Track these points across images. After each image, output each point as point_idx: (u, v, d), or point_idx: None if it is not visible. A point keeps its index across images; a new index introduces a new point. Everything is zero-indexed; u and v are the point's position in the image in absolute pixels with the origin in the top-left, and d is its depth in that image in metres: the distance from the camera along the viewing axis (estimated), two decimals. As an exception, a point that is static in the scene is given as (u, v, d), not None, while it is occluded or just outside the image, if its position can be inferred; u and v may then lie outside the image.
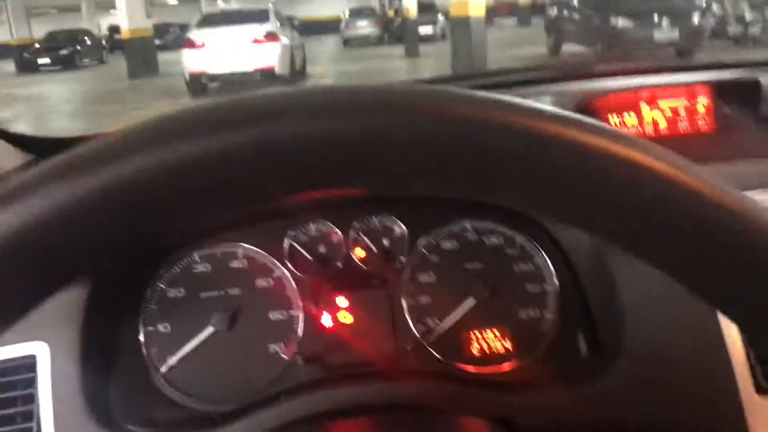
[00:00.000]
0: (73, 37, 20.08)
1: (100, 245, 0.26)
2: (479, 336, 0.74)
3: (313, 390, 0.67)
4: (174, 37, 23.98)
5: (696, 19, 9.77)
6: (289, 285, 0.76)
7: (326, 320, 0.75)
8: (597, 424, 0.63)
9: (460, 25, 10.00)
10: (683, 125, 0.95)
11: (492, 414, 0.64)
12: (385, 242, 0.78)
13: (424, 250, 0.77)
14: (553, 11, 12.70)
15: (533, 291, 0.76)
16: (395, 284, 0.76)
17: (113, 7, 13.98)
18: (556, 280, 0.75)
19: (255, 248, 0.77)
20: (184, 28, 21.81)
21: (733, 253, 0.26)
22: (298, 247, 0.77)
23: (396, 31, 19.87)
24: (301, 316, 0.75)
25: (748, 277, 0.26)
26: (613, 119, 0.93)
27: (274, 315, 0.75)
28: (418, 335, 0.74)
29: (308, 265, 0.77)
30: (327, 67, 14.09)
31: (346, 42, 20.70)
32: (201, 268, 0.76)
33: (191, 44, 10.21)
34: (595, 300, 0.72)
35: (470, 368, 0.73)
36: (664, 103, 0.95)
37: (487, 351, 0.74)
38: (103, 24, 28.26)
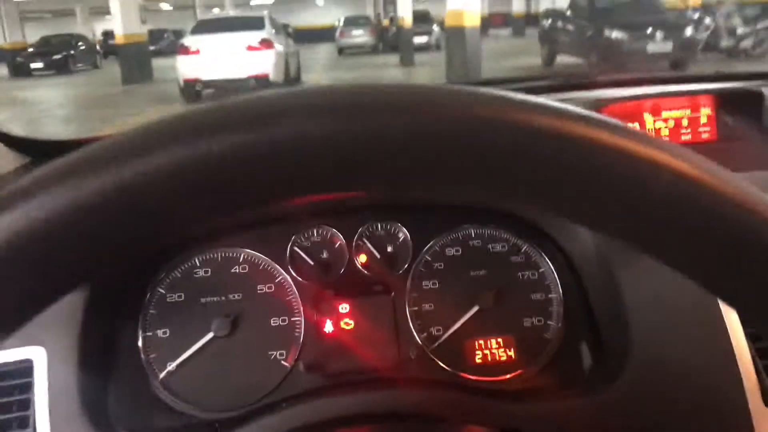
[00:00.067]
0: (67, 41, 20.02)
1: (102, 250, 0.26)
2: (483, 344, 0.74)
3: (314, 397, 0.66)
4: (168, 43, 23.98)
5: (689, 31, 9.87)
6: (291, 291, 0.75)
7: (328, 327, 0.74)
8: None
9: (455, 35, 10.05)
10: (686, 135, 0.95)
11: (496, 423, 0.63)
12: (389, 249, 0.77)
13: (428, 257, 0.77)
14: (547, 22, 12.79)
15: (537, 299, 0.75)
16: (399, 291, 0.75)
17: (108, 12, 13.95)
18: (560, 288, 0.75)
19: (257, 253, 0.76)
20: (178, 34, 21.84)
21: (756, 250, 0.26)
22: (301, 253, 0.76)
23: (391, 40, 19.95)
24: (302, 322, 0.74)
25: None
26: None
27: (276, 321, 0.74)
28: (421, 343, 0.74)
29: (311, 271, 0.76)
30: (321, 74, 14.12)
31: (341, 50, 20.74)
32: (201, 272, 0.75)
33: (186, 50, 10.19)
34: (600, 308, 0.71)
35: (474, 377, 0.72)
36: (667, 113, 0.95)
37: (491, 359, 0.73)
38: (98, 29, 28.24)
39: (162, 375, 0.71)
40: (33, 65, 18.37)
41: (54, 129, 8.26)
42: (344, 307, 0.74)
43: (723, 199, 0.26)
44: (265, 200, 0.27)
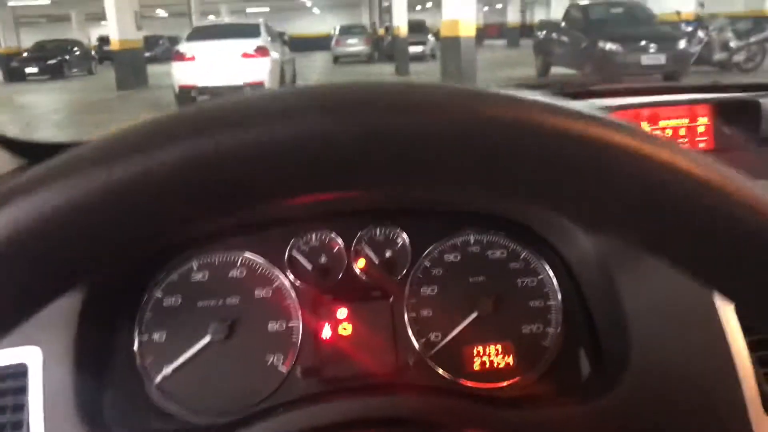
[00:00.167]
0: (62, 47, 19.99)
1: (100, 248, 0.26)
2: (481, 351, 0.73)
3: (311, 403, 0.65)
4: (164, 49, 24.01)
5: (682, 44, 9.96)
6: (289, 295, 0.74)
7: (326, 332, 0.73)
8: None
9: (450, 45, 10.10)
10: (684, 145, 0.95)
11: (494, 430, 0.63)
12: (388, 254, 0.77)
13: (426, 263, 0.76)
14: (541, 34, 12.88)
15: (537, 306, 0.75)
16: (397, 297, 0.75)
17: (103, 18, 13.96)
18: (559, 295, 0.75)
19: (255, 257, 0.75)
20: (173, 40, 21.84)
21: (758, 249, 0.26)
22: (300, 257, 0.76)
23: (386, 50, 20.04)
24: (300, 327, 0.73)
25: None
26: None
27: (273, 326, 0.73)
28: (419, 349, 0.73)
29: (309, 275, 0.75)
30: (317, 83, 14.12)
31: (336, 59, 20.80)
32: (199, 276, 0.75)
33: (181, 57, 10.19)
34: (599, 315, 0.71)
35: (472, 383, 0.72)
36: (665, 122, 0.95)
37: (489, 366, 0.73)
38: (93, 35, 28.21)
39: (158, 379, 0.71)
40: (28, 70, 18.33)
41: (49, 133, 8.23)
42: (342, 312, 0.74)
43: (730, 199, 0.26)
44: (267, 199, 0.27)
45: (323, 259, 0.76)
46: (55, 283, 0.26)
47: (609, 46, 9.96)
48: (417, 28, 18.45)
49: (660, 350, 0.63)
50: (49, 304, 0.27)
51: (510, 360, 0.73)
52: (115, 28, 13.25)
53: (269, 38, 10.97)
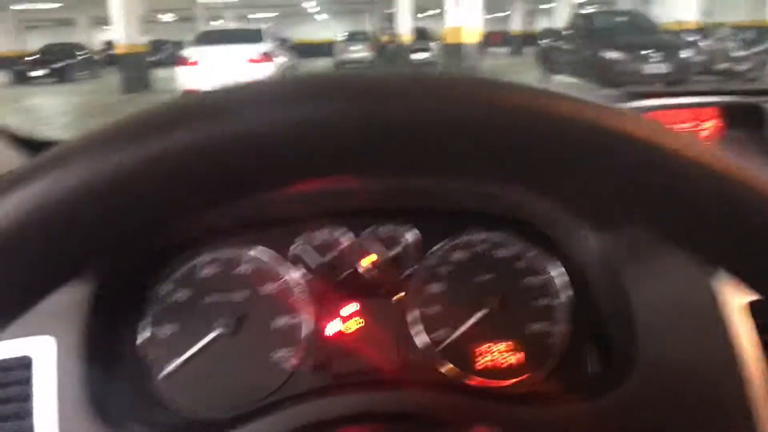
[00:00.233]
0: (68, 50, 20.09)
1: (104, 235, 0.26)
2: (488, 348, 0.73)
3: (318, 397, 0.65)
4: (168, 54, 24.07)
5: (685, 53, 9.98)
6: (295, 291, 0.74)
7: (333, 328, 0.73)
8: None
9: (453, 52, 10.13)
10: None
11: (502, 427, 0.63)
12: (395, 251, 0.77)
13: (434, 261, 0.77)
14: (545, 42, 12.91)
15: (544, 304, 0.75)
16: (404, 294, 0.75)
17: (109, 22, 14.02)
18: (567, 294, 0.75)
19: (262, 253, 0.76)
20: (178, 45, 21.90)
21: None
22: (307, 254, 0.76)
23: (389, 56, 20.10)
24: (307, 323, 0.73)
25: None
26: None
27: (280, 321, 0.73)
28: (425, 346, 0.73)
29: (316, 271, 0.76)
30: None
31: (339, 65, 20.88)
32: (206, 271, 0.75)
33: (185, 62, 10.24)
34: (607, 313, 0.71)
35: (478, 381, 0.72)
36: (670, 126, 0.95)
37: (496, 364, 0.73)
38: (98, 39, 28.33)
39: (163, 373, 0.71)
40: (34, 73, 18.41)
41: (56, 135, 8.25)
42: (349, 309, 0.74)
43: (745, 188, 0.27)
44: (276, 185, 0.27)
45: (330, 256, 0.77)
46: (56, 271, 0.26)
47: (612, 54, 9.99)
48: (420, 35, 18.53)
49: (668, 347, 0.63)
50: (51, 293, 0.27)
51: (517, 358, 0.73)
52: (121, 32, 13.32)
53: (274, 44, 11.03)
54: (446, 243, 0.77)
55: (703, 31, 11.45)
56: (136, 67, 13.48)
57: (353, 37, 21.79)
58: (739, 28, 11.80)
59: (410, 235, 0.78)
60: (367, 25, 30.84)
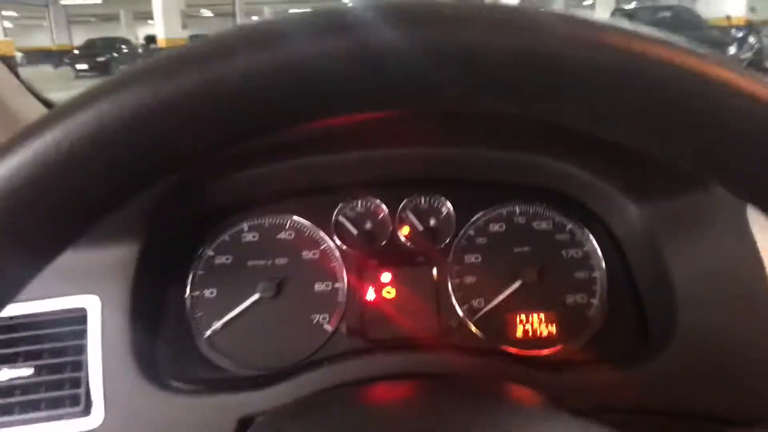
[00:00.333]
0: (111, 44, 20.52)
1: (170, 150, 0.26)
2: (524, 319, 0.74)
3: (356, 358, 0.67)
4: (208, 48, 24.27)
5: (732, 50, 9.71)
6: (335, 258, 0.76)
7: (370, 294, 0.75)
8: (644, 408, 0.62)
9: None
10: None
11: (536, 390, 0.63)
12: (432, 222, 0.78)
13: (471, 232, 0.77)
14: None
15: (581, 277, 0.75)
16: (441, 264, 0.76)
17: (151, 17, 14.31)
18: (605, 267, 0.75)
19: (303, 220, 0.77)
20: (218, 40, 22.06)
21: None
22: (346, 222, 0.78)
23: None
24: (345, 288, 0.75)
25: None
26: None
27: (319, 286, 0.75)
28: (462, 315, 0.74)
29: (354, 240, 0.77)
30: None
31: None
32: (249, 237, 0.77)
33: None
34: (645, 286, 0.71)
35: (513, 350, 0.73)
36: None
37: (532, 334, 0.73)
38: (141, 33, 28.92)
39: (207, 333, 0.73)
40: (78, 66, 18.87)
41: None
42: (386, 276, 0.76)
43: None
44: (350, 106, 0.27)
45: (368, 225, 0.78)
46: (124, 186, 0.27)
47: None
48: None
49: (706, 318, 0.63)
50: (114, 210, 0.28)
51: (553, 329, 0.74)
52: (162, 27, 13.59)
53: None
54: (484, 214, 0.78)
55: (752, 27, 11.10)
56: (177, 61, 13.70)
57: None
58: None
59: (447, 207, 0.78)
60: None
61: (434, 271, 0.76)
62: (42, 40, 26.99)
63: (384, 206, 0.79)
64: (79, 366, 0.65)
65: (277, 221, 0.78)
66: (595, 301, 0.74)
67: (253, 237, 0.77)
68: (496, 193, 0.78)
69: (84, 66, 18.93)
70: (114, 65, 19.56)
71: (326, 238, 0.77)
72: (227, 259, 0.76)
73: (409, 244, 0.78)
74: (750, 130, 0.25)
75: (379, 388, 0.59)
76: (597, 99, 0.26)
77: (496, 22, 0.26)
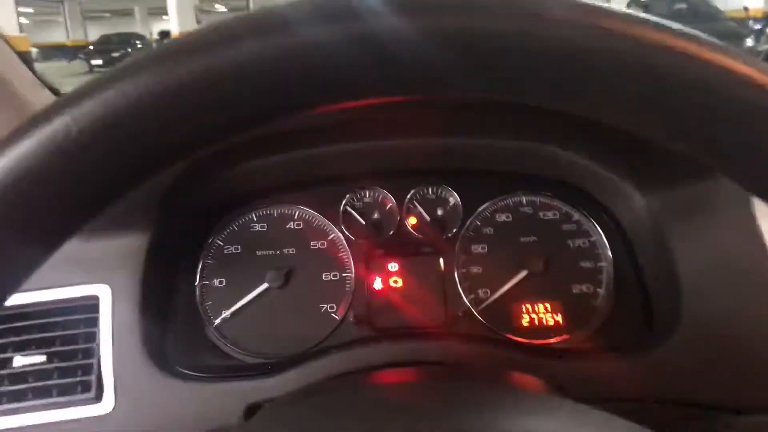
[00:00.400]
0: (125, 40, 20.64)
1: (187, 130, 0.27)
2: (530, 308, 0.74)
3: (363, 345, 0.67)
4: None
5: (749, 42, 9.57)
6: (342, 248, 0.77)
7: (378, 284, 0.75)
8: (650, 397, 0.62)
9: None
10: None
11: (542, 378, 0.63)
12: (439, 212, 0.78)
13: (477, 222, 0.77)
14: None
15: (587, 267, 0.75)
16: (447, 254, 0.76)
17: (165, 12, 14.39)
18: (611, 257, 0.75)
19: (311, 211, 0.78)
20: (231, 35, 22.13)
21: None
22: (353, 213, 0.78)
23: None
24: (353, 278, 0.75)
25: None
26: None
27: (327, 276, 0.76)
28: (468, 304, 0.74)
29: (362, 230, 0.78)
30: None
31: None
32: (258, 227, 0.78)
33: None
34: (651, 275, 0.71)
35: (520, 339, 0.73)
36: None
37: (538, 323, 0.74)
38: (155, 29, 29.07)
39: (216, 321, 0.74)
40: (93, 62, 19.02)
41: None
42: (394, 266, 0.76)
43: None
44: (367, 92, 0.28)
45: (376, 215, 0.79)
46: (143, 166, 0.28)
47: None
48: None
49: (712, 307, 0.62)
50: (121, 197, 0.28)
51: (559, 318, 0.74)
52: (176, 22, 13.66)
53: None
54: (490, 205, 0.78)
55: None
56: (190, 56, 13.77)
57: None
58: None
59: (454, 197, 0.79)
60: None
61: (441, 260, 0.76)
62: (57, 36, 27.21)
63: (391, 197, 0.79)
64: (91, 353, 0.66)
65: (286, 211, 0.78)
66: (601, 291, 0.74)
67: (262, 227, 0.78)
68: (502, 183, 0.78)
69: (99, 61, 19.06)
70: (128, 61, 19.66)
71: (334, 228, 0.77)
72: (236, 248, 0.77)
73: (416, 234, 0.78)
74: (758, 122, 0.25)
75: (385, 376, 0.60)
76: (601, 84, 0.26)
77: (503, 6, 0.26)
